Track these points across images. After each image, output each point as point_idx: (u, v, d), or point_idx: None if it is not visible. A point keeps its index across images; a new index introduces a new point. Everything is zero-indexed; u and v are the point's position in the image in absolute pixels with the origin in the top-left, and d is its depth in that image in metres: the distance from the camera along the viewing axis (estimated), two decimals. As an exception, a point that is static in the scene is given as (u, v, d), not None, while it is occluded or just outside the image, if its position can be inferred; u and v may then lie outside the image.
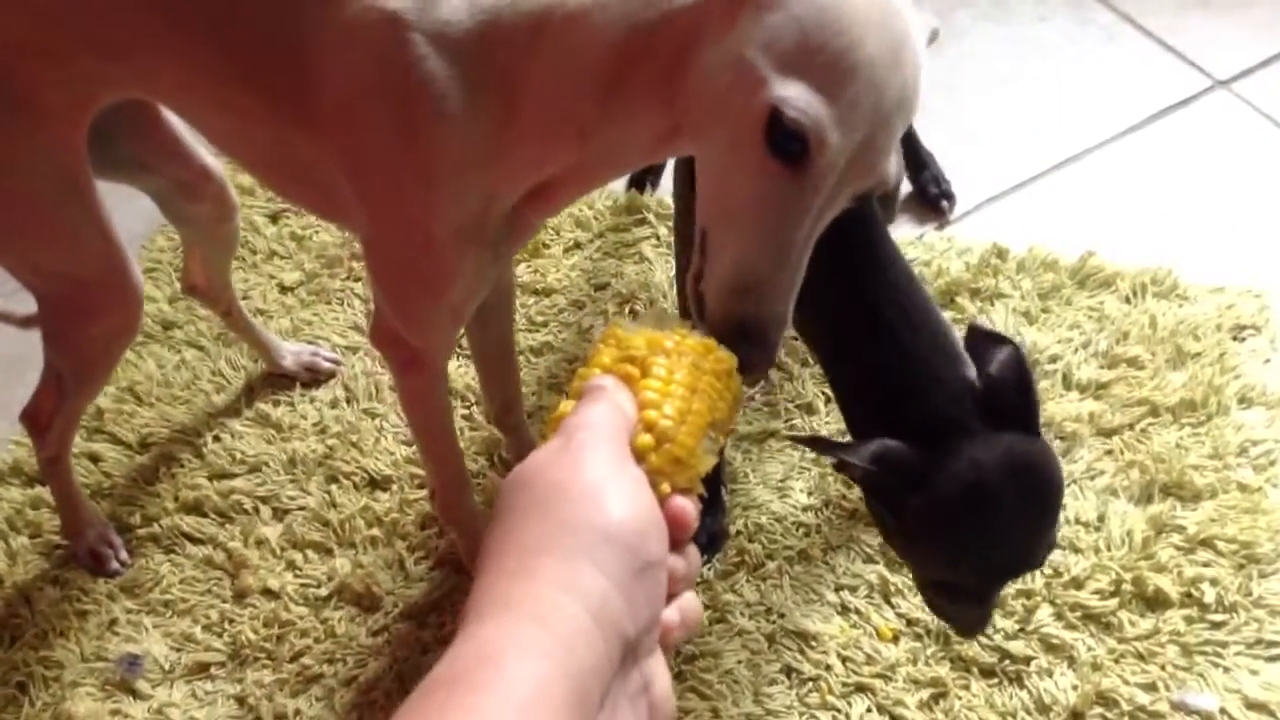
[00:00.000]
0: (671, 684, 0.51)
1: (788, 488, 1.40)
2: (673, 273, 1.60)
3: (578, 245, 1.70)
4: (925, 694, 1.22)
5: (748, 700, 1.23)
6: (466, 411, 1.49)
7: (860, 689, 1.23)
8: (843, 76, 0.71)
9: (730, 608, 1.29)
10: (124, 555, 1.37)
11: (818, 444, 1.12)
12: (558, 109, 0.85)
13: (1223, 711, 1.19)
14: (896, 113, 0.75)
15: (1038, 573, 1.29)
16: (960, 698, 1.21)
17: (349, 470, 1.44)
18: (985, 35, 2.05)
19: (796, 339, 1.26)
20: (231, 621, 1.31)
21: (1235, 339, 1.53)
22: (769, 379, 1.51)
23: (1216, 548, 1.31)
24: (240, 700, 1.25)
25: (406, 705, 0.43)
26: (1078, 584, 1.28)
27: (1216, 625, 1.25)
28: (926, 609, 1.25)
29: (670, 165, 1.68)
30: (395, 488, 1.42)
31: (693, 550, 0.54)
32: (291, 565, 1.36)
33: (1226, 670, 1.22)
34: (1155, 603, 1.27)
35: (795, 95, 0.71)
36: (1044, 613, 1.26)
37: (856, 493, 1.35)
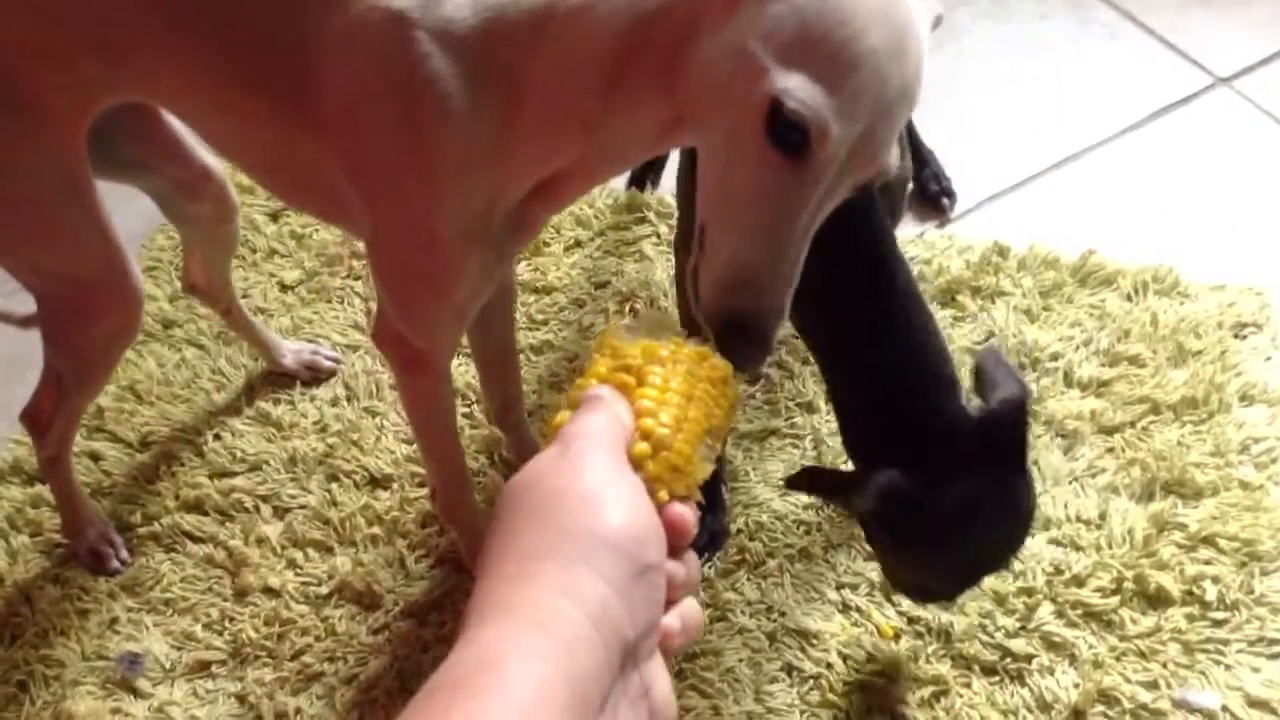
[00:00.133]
0: (672, 688, 0.51)
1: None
2: (673, 271, 1.60)
3: (578, 243, 1.70)
4: (926, 692, 1.22)
5: (749, 698, 1.22)
6: (467, 410, 1.49)
7: (861, 687, 1.23)
8: (845, 67, 0.71)
9: (731, 606, 1.29)
10: (124, 554, 1.37)
11: (818, 488, 1.12)
12: (562, 103, 0.85)
13: (1224, 709, 1.19)
14: (899, 103, 0.74)
15: (1039, 570, 1.29)
16: (961, 696, 1.21)
17: (349, 469, 1.44)
18: (986, 33, 2.05)
19: (797, 337, 1.26)
20: (232, 620, 1.31)
21: (1236, 337, 1.53)
22: (769, 376, 1.51)
23: (1218, 545, 1.30)
24: (241, 699, 1.25)
25: (408, 710, 0.43)
26: (1079, 582, 1.28)
27: (1218, 623, 1.25)
28: (927, 607, 1.26)
29: (672, 164, 1.68)
30: (396, 486, 1.42)
31: (692, 557, 0.55)
32: (292, 564, 1.36)
33: (1228, 668, 1.22)
34: (1157, 600, 1.27)
35: (796, 86, 0.71)
36: (1045, 611, 1.26)
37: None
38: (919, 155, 1.75)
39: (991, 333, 1.54)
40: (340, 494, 1.42)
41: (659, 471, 0.54)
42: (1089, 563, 1.30)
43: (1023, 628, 1.26)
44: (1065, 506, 1.35)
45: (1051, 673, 1.22)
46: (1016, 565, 1.29)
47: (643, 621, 0.49)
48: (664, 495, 0.54)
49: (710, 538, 1.33)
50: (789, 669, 1.25)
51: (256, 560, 1.36)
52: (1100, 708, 1.19)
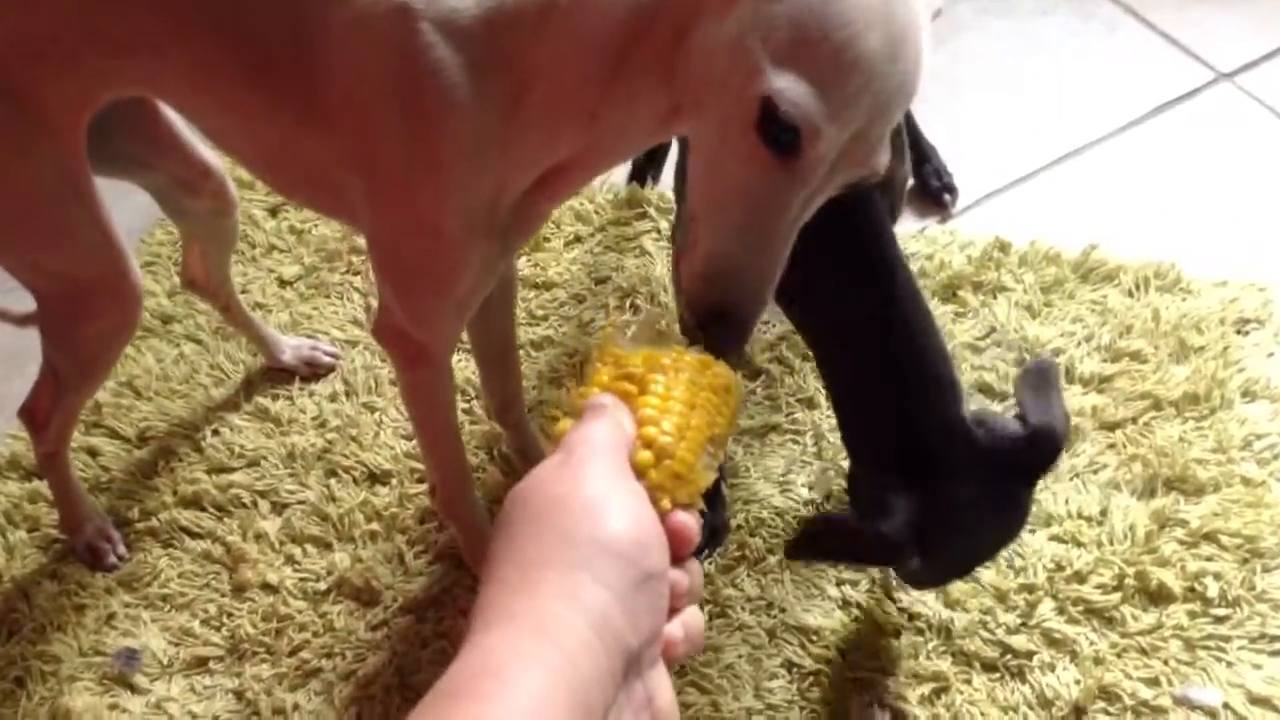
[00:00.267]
0: (674, 695, 0.51)
1: (789, 482, 1.40)
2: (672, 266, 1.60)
3: (579, 239, 1.70)
4: (927, 689, 1.21)
5: (748, 695, 1.22)
6: (467, 405, 1.48)
7: (861, 683, 1.22)
8: (840, 71, 0.70)
9: (731, 602, 1.29)
10: (122, 549, 1.37)
11: (830, 552, 1.11)
12: (565, 92, 0.85)
13: (1226, 706, 1.18)
14: (893, 104, 0.74)
15: (1040, 566, 1.29)
16: (962, 692, 1.21)
17: (348, 464, 1.44)
18: (987, 29, 2.05)
19: (796, 333, 1.25)
20: (230, 615, 1.31)
21: (1239, 332, 1.52)
22: (768, 372, 1.50)
23: (1220, 542, 1.30)
24: (239, 695, 1.25)
25: (411, 717, 0.43)
26: (1080, 578, 1.28)
27: (1220, 620, 1.25)
28: (927, 604, 1.26)
29: (672, 159, 1.67)
30: (395, 482, 1.42)
31: (694, 565, 0.55)
32: (290, 559, 1.35)
33: (1229, 665, 1.22)
34: (1158, 597, 1.26)
35: (790, 88, 0.70)
36: (1046, 607, 1.26)
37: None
38: (920, 150, 1.75)
39: (994, 328, 1.53)
40: (339, 489, 1.41)
41: (661, 479, 0.54)
42: (1090, 559, 1.29)
43: (1023, 624, 1.25)
44: (1066, 503, 1.35)
45: (1052, 669, 1.22)
46: (1017, 561, 1.29)
47: (645, 629, 0.49)
48: (666, 503, 0.54)
49: (711, 534, 1.33)
50: (789, 665, 1.24)
51: (254, 556, 1.35)
52: (1101, 704, 1.19)
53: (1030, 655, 1.23)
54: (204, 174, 1.25)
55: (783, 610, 1.28)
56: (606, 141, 0.89)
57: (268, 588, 1.33)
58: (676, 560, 0.53)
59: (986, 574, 1.27)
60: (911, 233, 1.67)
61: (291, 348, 1.55)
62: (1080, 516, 1.34)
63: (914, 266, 1.53)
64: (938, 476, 1.01)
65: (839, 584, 1.30)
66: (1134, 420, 1.42)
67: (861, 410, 1.10)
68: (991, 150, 1.82)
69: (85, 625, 1.31)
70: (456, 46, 0.84)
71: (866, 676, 1.23)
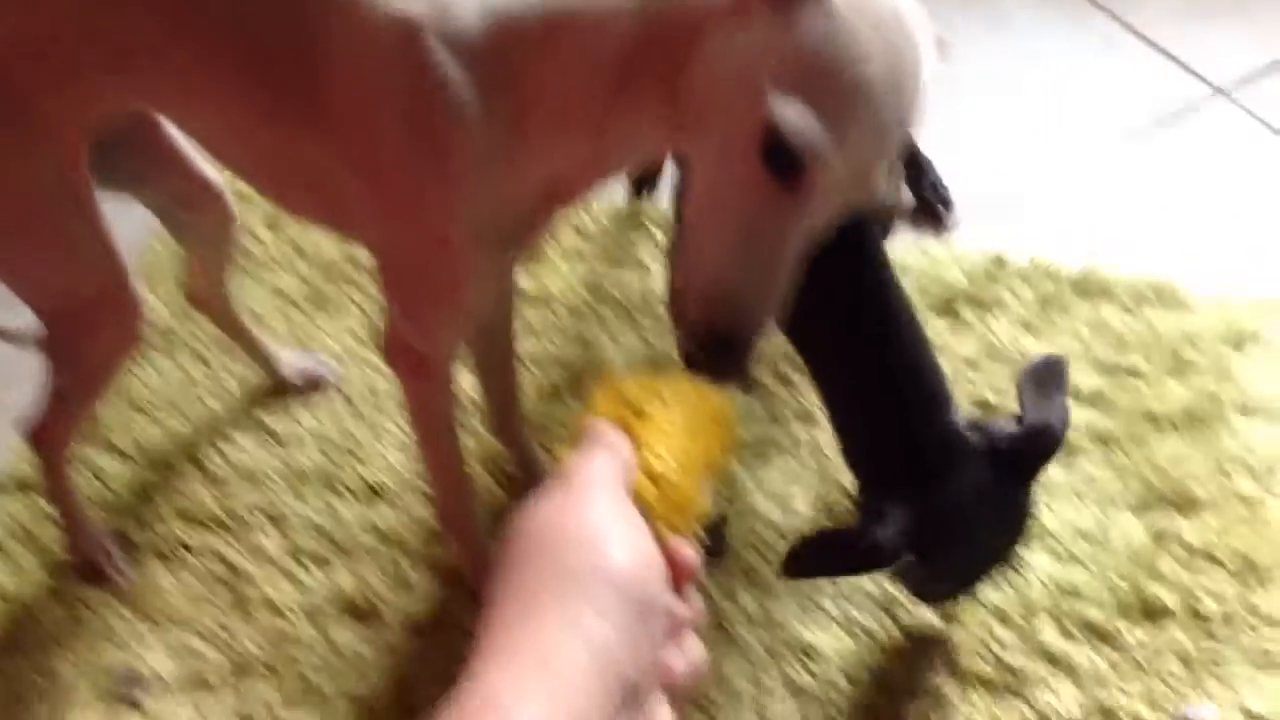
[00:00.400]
0: None
1: (788, 497, 1.40)
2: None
3: (577, 253, 1.70)
4: (926, 706, 1.22)
5: (747, 712, 1.22)
6: (467, 422, 1.48)
7: (860, 701, 1.23)
8: (846, 101, 0.71)
9: (729, 619, 1.29)
10: (123, 566, 1.37)
11: (829, 565, 1.11)
12: (569, 106, 0.86)
13: (1224, 724, 1.19)
14: (895, 133, 0.75)
15: (1038, 582, 1.29)
16: (961, 710, 1.21)
17: (348, 480, 1.44)
18: (984, 43, 2.05)
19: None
20: (232, 633, 1.31)
21: (1235, 349, 1.53)
22: (765, 386, 1.51)
23: (1217, 558, 1.31)
24: (240, 713, 1.25)
25: None
26: (1078, 595, 1.29)
27: (1217, 637, 1.25)
28: (927, 620, 1.26)
29: (669, 173, 1.68)
30: (395, 498, 1.42)
31: (695, 594, 0.55)
32: (291, 577, 1.35)
33: (1227, 682, 1.22)
34: (1155, 614, 1.27)
35: (795, 116, 0.71)
36: (1044, 624, 1.26)
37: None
38: (917, 164, 1.75)
39: (993, 345, 1.54)
40: (339, 506, 1.42)
41: (661, 509, 0.55)
42: (1087, 576, 1.30)
43: (1022, 641, 1.26)
44: (1063, 519, 1.35)
45: (1051, 687, 1.22)
46: (1015, 578, 1.29)
47: (646, 660, 0.49)
48: (666, 532, 0.54)
49: (709, 548, 1.33)
50: (788, 683, 1.25)
51: (255, 573, 1.35)
52: (1100, 723, 1.20)
53: (1029, 673, 1.23)
54: (204, 189, 1.26)
55: (781, 626, 1.29)
56: (609, 154, 0.90)
57: (269, 605, 1.33)
58: (676, 589, 0.53)
59: (985, 591, 1.27)
60: (908, 247, 1.67)
61: (291, 363, 1.55)
62: (1077, 533, 1.34)
63: (910, 281, 1.54)
64: (932, 482, 1.02)
65: (838, 600, 1.30)
66: (1131, 436, 1.43)
67: (858, 425, 1.11)
68: (988, 165, 1.83)
69: (87, 643, 1.31)
70: (464, 62, 0.85)
71: (865, 694, 1.23)
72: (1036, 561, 1.31)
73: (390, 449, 1.47)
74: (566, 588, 0.48)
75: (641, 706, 0.49)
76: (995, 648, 1.25)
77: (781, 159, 0.72)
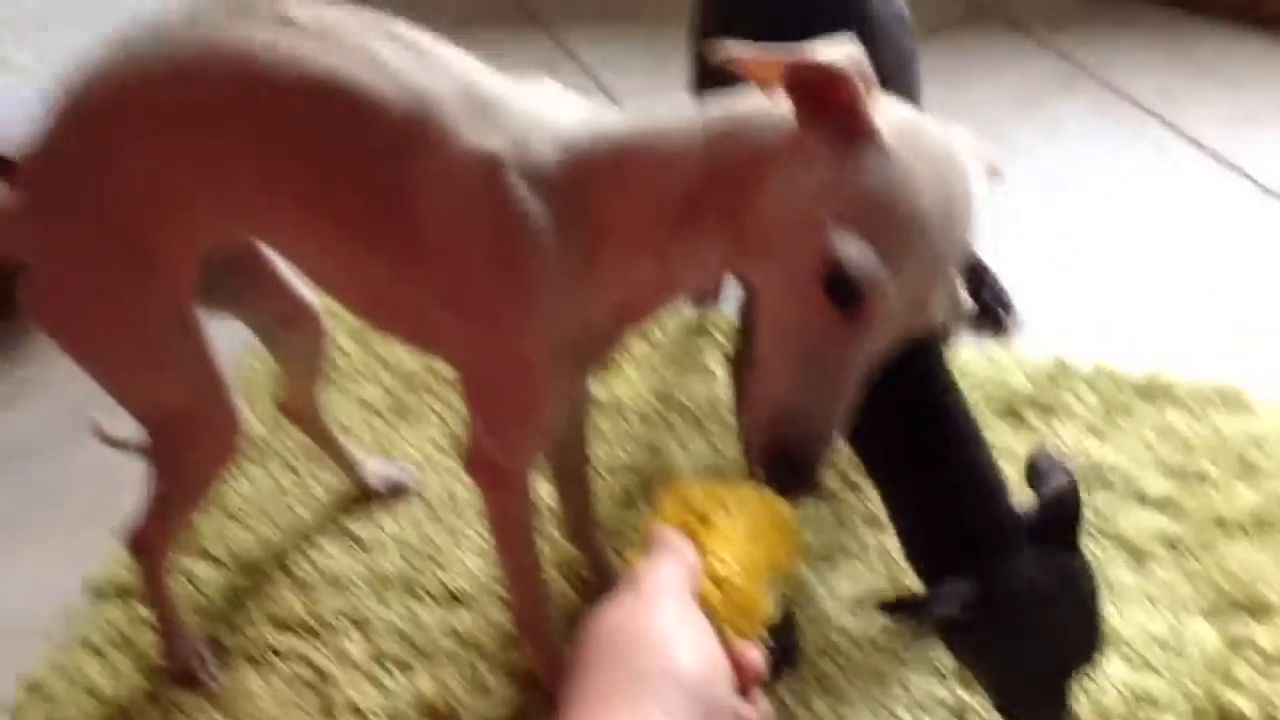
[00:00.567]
0: None
1: (858, 602, 1.42)
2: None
3: (647, 362, 1.76)
4: (1003, 816, 1.21)
5: (824, 820, 1.23)
6: (543, 528, 1.53)
7: (937, 810, 1.23)
8: (902, 235, 0.76)
9: (804, 725, 1.30)
10: (215, 671, 1.41)
11: (909, 614, 1.13)
12: (638, 235, 0.92)
13: (1308, 837, 1.17)
14: (949, 262, 0.79)
15: (1113, 690, 1.29)
16: (1039, 820, 1.21)
17: (429, 585, 1.48)
18: (1037, 151, 2.10)
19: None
20: (318, 736, 1.35)
21: (1303, 452, 1.53)
22: (833, 492, 1.53)
23: (1295, 666, 1.30)
24: (327, 816, 1.28)
25: None
26: (1154, 703, 1.28)
27: (1298, 746, 1.24)
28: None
29: (731, 283, 1.73)
30: (473, 602, 1.46)
31: (761, 697, 0.58)
32: (374, 680, 1.39)
33: (1311, 793, 1.21)
34: (1234, 723, 1.26)
35: (855, 251, 0.75)
36: (1121, 733, 1.26)
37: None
38: (978, 272, 1.79)
39: (1058, 450, 1.55)
40: (420, 610, 1.46)
41: (727, 613, 0.58)
42: (1163, 684, 1.29)
43: (1099, 750, 1.25)
44: (1136, 625, 1.35)
45: (1130, 797, 1.21)
46: (1090, 685, 1.29)
47: None
48: (732, 636, 0.57)
49: (782, 654, 1.35)
50: (864, 790, 1.25)
51: (340, 677, 1.39)
52: (1181, 834, 1.18)
53: (1107, 782, 1.23)
54: (302, 310, 1.34)
55: (856, 734, 1.29)
56: (675, 279, 0.96)
57: (354, 710, 1.36)
58: (743, 692, 0.56)
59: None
60: (971, 353, 1.71)
61: (375, 470, 1.61)
62: (1152, 639, 1.34)
63: (974, 386, 1.57)
64: (992, 560, 1.05)
65: (911, 708, 1.31)
66: (1201, 541, 1.43)
67: (921, 531, 1.13)
68: (1050, 271, 1.86)
69: (182, 746, 1.35)
70: (542, 195, 0.92)
71: (942, 803, 1.23)
72: (1111, 669, 1.31)
73: (469, 554, 1.52)
74: (637, 690, 0.51)
75: None
76: (1071, 756, 1.24)
77: (843, 291, 0.76)
